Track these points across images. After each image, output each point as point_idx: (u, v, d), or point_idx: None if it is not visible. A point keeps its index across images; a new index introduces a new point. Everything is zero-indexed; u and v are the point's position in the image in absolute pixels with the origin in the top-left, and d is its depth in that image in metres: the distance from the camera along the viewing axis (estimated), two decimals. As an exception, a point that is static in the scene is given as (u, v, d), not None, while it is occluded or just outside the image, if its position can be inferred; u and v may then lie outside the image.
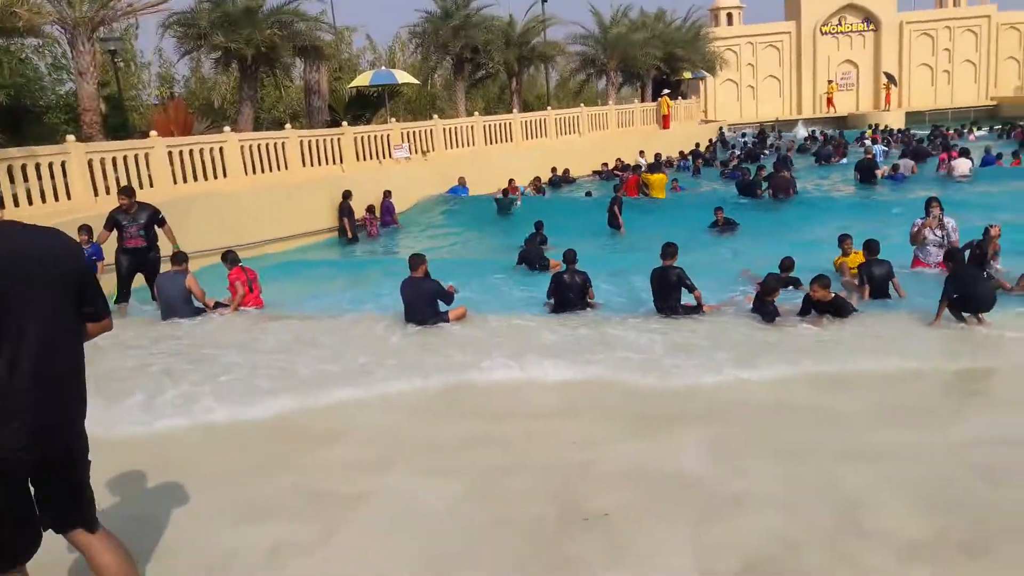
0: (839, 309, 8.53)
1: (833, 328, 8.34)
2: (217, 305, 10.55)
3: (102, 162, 13.97)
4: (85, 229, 11.11)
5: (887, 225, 13.97)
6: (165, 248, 11.25)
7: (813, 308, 8.63)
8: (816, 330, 8.34)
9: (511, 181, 22.10)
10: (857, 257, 10.62)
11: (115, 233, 10.89)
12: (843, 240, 11.13)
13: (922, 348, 7.59)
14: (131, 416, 6.43)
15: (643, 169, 24.23)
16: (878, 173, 21.64)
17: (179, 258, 10.51)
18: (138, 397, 6.84)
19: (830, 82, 52.15)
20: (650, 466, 5.05)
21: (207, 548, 4.28)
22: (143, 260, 10.96)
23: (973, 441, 5.28)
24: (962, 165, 21.07)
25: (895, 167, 22.03)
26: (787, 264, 10.60)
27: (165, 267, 10.88)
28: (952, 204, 12.93)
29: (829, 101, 51.83)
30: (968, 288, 8.16)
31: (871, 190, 20.79)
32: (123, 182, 14.32)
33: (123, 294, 10.99)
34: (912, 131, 37.70)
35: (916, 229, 11.09)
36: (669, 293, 9.28)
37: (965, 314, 8.22)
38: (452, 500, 4.72)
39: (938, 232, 11.00)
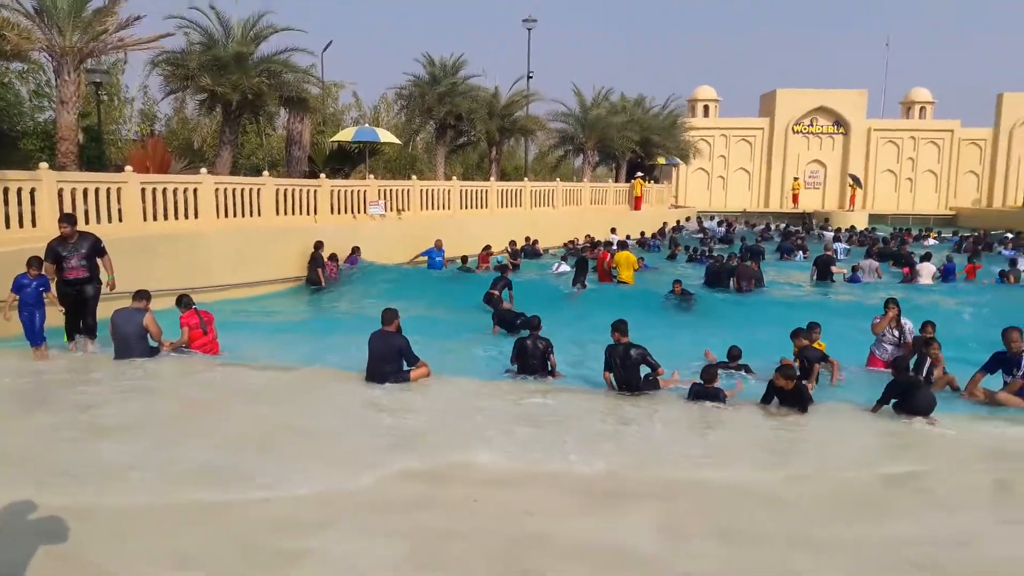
0: (800, 399, 8.63)
1: (787, 417, 8.43)
2: (172, 346, 10.44)
3: (72, 192, 13.87)
4: (35, 261, 10.20)
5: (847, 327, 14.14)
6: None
7: (776, 395, 8.74)
8: (770, 418, 8.43)
9: (487, 247, 22.38)
10: (821, 347, 10.91)
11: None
12: (812, 328, 11.27)
13: (869, 443, 7.72)
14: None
15: (613, 247, 24.37)
16: (834, 270, 21.70)
17: (141, 295, 10.33)
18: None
19: (796, 179, 53.88)
20: (600, 541, 5.01)
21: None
22: (83, 291, 10.43)
23: (911, 539, 5.33)
24: (926, 271, 21.50)
25: (855, 268, 22.15)
26: (735, 353, 10.97)
27: (114, 302, 10.71)
28: (912, 308, 13.31)
29: (794, 197, 53.42)
30: (907, 395, 8.52)
31: (828, 287, 20.82)
32: (92, 214, 14.25)
33: (73, 327, 10.54)
34: (876, 230, 38.90)
35: (877, 321, 11.48)
36: (632, 371, 9.30)
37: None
38: (393, 563, 4.62)
39: (895, 332, 11.36)
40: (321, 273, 18.00)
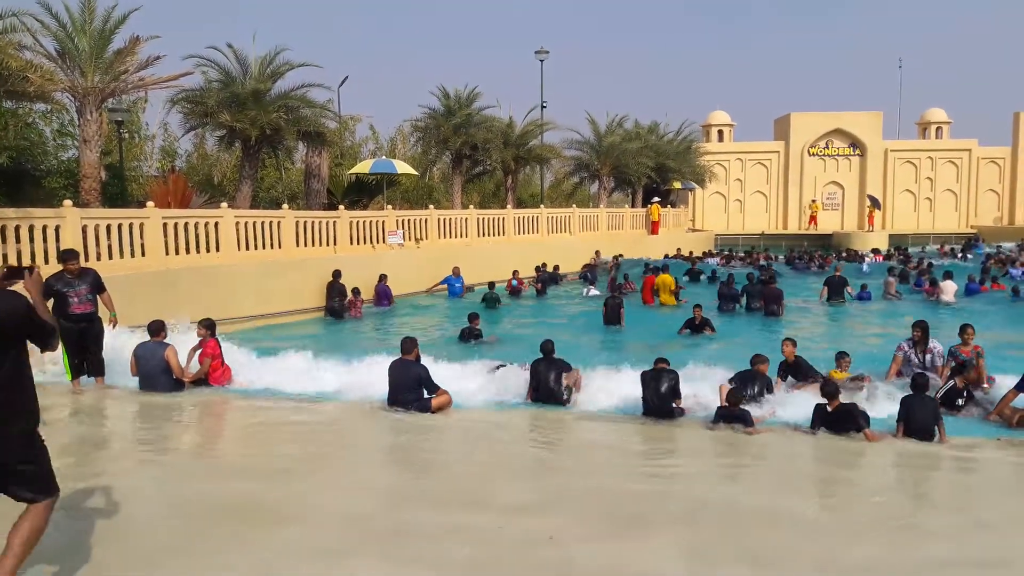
0: (849, 418, 8.43)
1: (816, 438, 8.30)
2: (192, 378, 10.44)
3: (96, 228, 14.09)
4: None
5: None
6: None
7: (822, 420, 8.53)
8: (797, 439, 8.31)
9: (515, 272, 22.73)
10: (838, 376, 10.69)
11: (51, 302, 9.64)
12: (840, 357, 11.11)
13: (889, 464, 7.59)
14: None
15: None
16: (848, 291, 21.51)
17: (156, 327, 10.32)
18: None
19: (813, 201, 53.67)
20: (625, 567, 4.94)
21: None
22: (89, 328, 10.09)
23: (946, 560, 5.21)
24: (948, 288, 21.35)
25: (863, 286, 22.19)
26: (733, 400, 10.53)
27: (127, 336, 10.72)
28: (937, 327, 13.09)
29: (812, 219, 53.19)
30: (909, 415, 8.47)
31: (840, 307, 20.75)
32: (116, 249, 14.45)
33: (77, 367, 10.12)
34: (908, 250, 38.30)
35: (900, 354, 10.95)
36: (664, 397, 9.23)
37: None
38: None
39: (920, 357, 10.97)
40: (338, 303, 18.05)
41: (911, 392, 8.79)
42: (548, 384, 10.07)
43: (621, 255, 29.81)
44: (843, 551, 5.29)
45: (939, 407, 8.76)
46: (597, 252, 30.49)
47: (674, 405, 9.29)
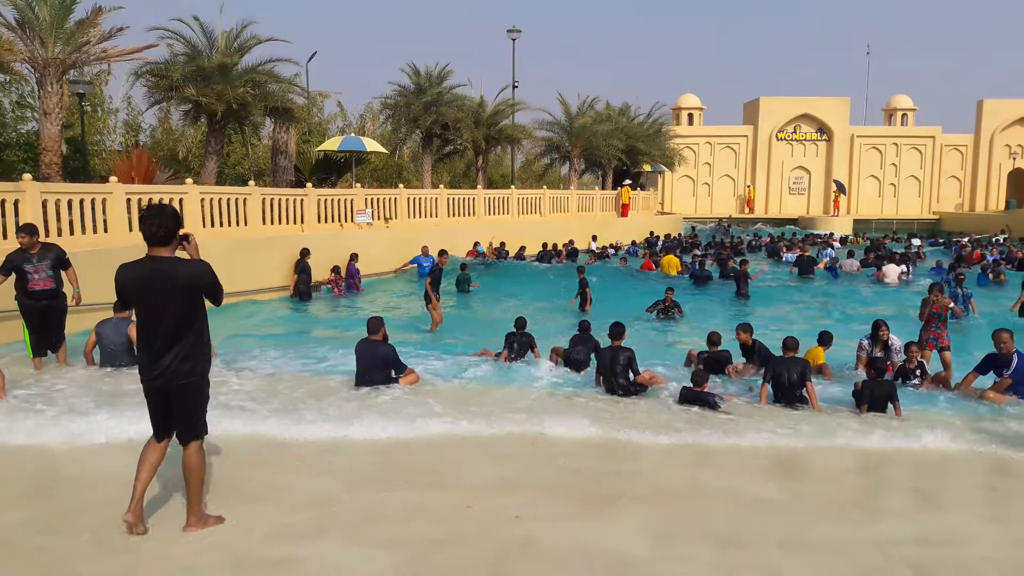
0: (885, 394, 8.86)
1: (785, 416, 8.44)
2: None
3: (57, 203, 13.76)
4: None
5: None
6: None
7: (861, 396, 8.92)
8: (761, 419, 8.44)
9: (476, 244, 23.16)
10: (819, 352, 10.97)
11: (13, 278, 9.68)
12: (823, 337, 11.31)
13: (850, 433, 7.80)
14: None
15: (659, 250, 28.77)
16: (818, 267, 24.39)
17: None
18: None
19: (749, 186, 54.70)
20: (591, 545, 5.00)
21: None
22: (52, 305, 9.88)
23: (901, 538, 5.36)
24: (891, 272, 22.73)
25: (835, 260, 25.11)
26: (715, 339, 10.92)
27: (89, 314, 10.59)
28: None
29: (749, 203, 54.32)
30: (867, 392, 8.89)
31: (810, 281, 22.86)
32: (77, 225, 14.14)
33: (39, 344, 9.90)
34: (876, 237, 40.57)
35: (863, 354, 11.16)
36: (619, 372, 9.43)
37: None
38: (384, 572, 4.59)
39: (880, 354, 11.12)
40: (304, 281, 17.95)
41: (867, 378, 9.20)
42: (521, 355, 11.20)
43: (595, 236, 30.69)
44: (805, 530, 5.41)
45: (895, 388, 9.01)
46: (594, 237, 31.42)
47: (632, 379, 9.44)
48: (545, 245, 27.68)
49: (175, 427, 4.91)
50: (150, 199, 15.78)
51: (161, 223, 4.76)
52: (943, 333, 11.54)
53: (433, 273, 15.26)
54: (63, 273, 10.08)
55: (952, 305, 12.15)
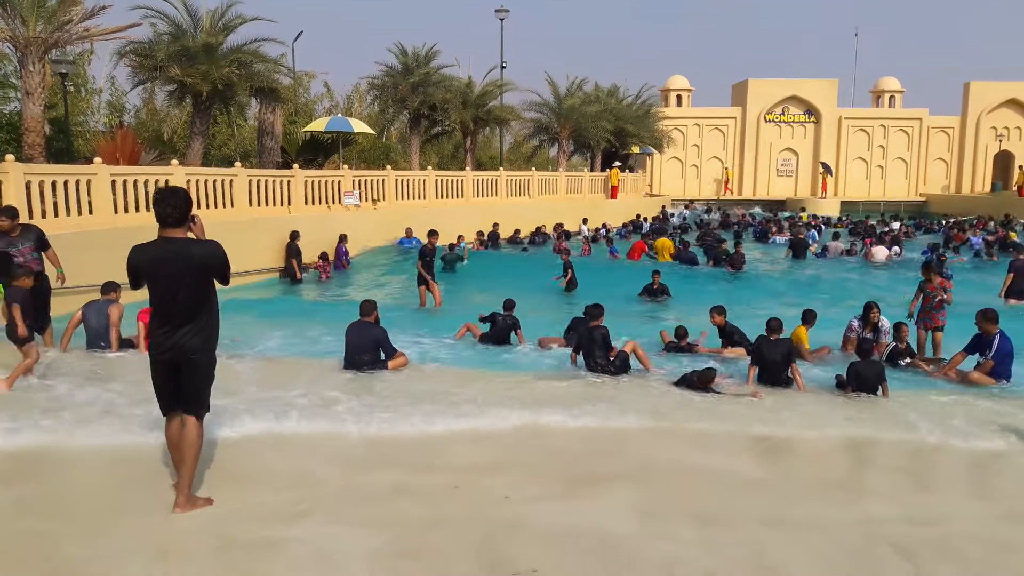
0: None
1: (763, 399, 8.52)
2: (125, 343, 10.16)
3: (40, 185, 13.60)
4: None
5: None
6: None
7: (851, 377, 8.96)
8: (745, 399, 8.52)
9: (460, 237, 22.51)
10: (803, 332, 11.11)
11: None
12: (807, 316, 11.46)
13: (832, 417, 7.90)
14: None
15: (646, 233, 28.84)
16: (810, 250, 24.72)
17: (111, 286, 10.18)
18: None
19: (727, 168, 54.71)
20: (578, 525, 5.05)
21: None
22: (37, 287, 9.67)
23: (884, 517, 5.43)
24: (879, 252, 23.14)
25: (825, 247, 25.23)
26: (681, 332, 11.34)
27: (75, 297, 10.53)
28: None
29: (726, 185, 54.35)
30: (858, 377, 8.92)
31: (803, 264, 23.36)
32: (61, 207, 14.00)
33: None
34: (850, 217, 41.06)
35: (852, 335, 11.20)
36: (595, 352, 9.63)
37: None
38: (371, 553, 4.61)
39: (869, 335, 11.19)
40: (296, 264, 17.87)
41: (858, 359, 9.21)
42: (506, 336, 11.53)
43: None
44: (789, 508, 5.48)
45: (883, 369, 9.09)
46: (585, 220, 31.09)
47: (610, 358, 9.55)
48: (538, 229, 27.82)
49: (181, 401, 5.06)
50: (135, 180, 15.65)
51: (175, 205, 4.85)
52: (939, 314, 11.52)
53: (423, 255, 15.27)
54: (44, 254, 10.05)
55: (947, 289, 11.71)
